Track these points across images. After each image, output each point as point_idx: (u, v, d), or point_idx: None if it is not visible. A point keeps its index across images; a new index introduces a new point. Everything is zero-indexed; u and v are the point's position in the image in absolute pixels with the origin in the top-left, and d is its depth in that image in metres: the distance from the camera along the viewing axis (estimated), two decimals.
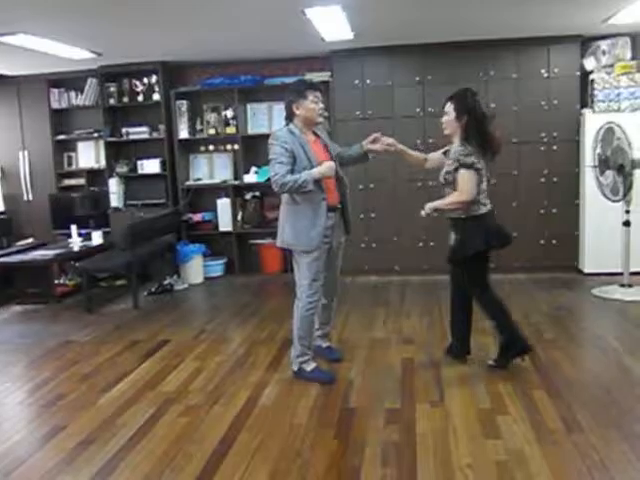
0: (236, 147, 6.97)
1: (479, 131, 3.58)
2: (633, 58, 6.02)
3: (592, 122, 5.92)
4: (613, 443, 2.82)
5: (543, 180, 6.33)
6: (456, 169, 3.57)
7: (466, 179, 3.55)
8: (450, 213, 3.72)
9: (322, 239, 3.63)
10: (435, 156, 3.95)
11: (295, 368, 3.81)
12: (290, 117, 3.73)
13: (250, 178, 6.89)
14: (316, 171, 3.54)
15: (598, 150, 5.47)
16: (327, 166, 3.56)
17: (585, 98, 6.17)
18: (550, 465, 2.66)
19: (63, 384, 3.93)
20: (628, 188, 5.29)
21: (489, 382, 3.61)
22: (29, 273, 6.03)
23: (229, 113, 6.85)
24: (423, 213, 3.66)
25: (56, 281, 6.28)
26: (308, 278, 3.67)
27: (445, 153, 3.83)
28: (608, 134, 5.38)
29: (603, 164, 5.43)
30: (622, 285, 5.46)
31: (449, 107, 3.65)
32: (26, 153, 7.19)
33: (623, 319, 4.85)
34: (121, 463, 2.87)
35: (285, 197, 3.72)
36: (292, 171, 3.56)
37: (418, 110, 6.38)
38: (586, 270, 6.20)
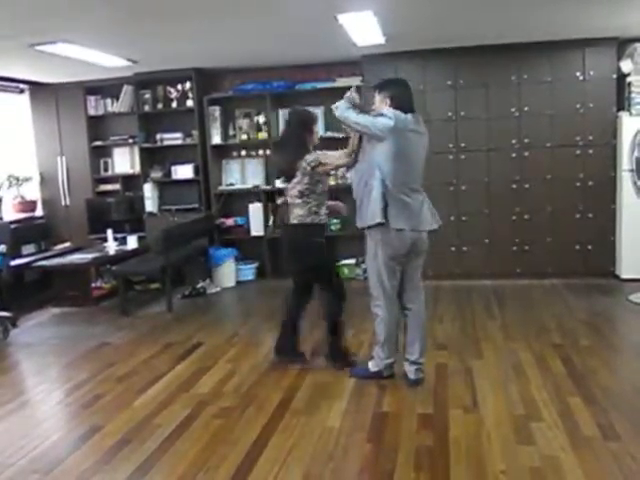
0: (268, 152, 7.02)
1: None
2: None
3: (629, 125, 5.84)
4: None
5: (578, 184, 6.22)
6: None
7: None
8: None
9: None
10: None
11: None
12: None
13: (281, 183, 6.92)
14: None
15: (636, 154, 5.38)
16: None
17: (622, 101, 6.07)
18: (586, 472, 2.62)
19: (100, 385, 4.01)
20: None
21: (523, 388, 3.58)
22: (67, 276, 6.16)
23: (261, 119, 6.91)
24: None
25: (92, 284, 6.41)
26: None
27: None
28: None
29: None
30: None
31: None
32: (64, 159, 7.34)
33: None
34: (157, 463, 2.92)
35: None
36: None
37: (450, 114, 6.34)
38: (623, 276, 6.08)
